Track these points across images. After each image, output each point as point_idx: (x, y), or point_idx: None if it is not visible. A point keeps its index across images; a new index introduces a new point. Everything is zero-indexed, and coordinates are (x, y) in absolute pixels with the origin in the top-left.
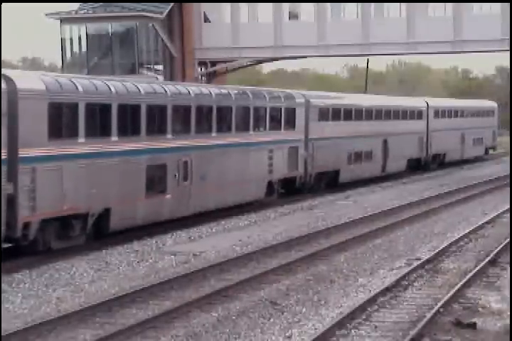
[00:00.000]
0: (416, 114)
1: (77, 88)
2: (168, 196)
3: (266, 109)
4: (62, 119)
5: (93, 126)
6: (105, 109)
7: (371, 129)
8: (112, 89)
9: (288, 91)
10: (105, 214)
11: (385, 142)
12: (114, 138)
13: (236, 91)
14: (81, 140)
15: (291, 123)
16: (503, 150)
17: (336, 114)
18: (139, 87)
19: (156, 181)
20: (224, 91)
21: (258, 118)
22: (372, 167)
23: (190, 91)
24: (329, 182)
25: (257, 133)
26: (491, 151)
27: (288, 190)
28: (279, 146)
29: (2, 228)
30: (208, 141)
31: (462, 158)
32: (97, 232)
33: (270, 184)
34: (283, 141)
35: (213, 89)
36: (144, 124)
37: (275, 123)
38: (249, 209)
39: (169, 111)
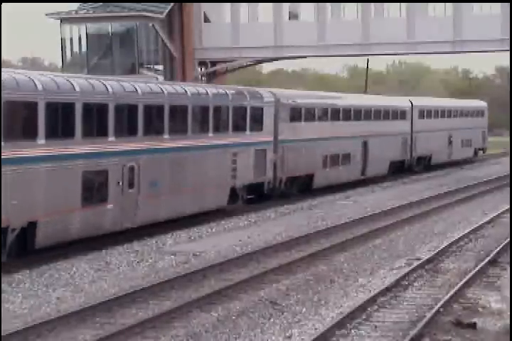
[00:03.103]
0: (399, 114)
1: None
2: (109, 206)
3: (228, 108)
4: None
5: (14, 128)
6: (30, 108)
7: (349, 130)
8: (39, 86)
9: (255, 89)
10: (30, 229)
11: (365, 144)
12: (41, 141)
13: (193, 90)
14: None
15: (258, 123)
16: (503, 150)
17: (310, 113)
18: (74, 84)
19: (94, 189)
20: (179, 89)
21: (219, 119)
22: (351, 170)
23: (138, 89)
24: (302, 188)
25: (218, 135)
26: (480, 153)
27: (257, 197)
28: (243, 149)
29: None
30: (160, 144)
31: (449, 160)
32: (22, 249)
33: (234, 190)
34: (248, 144)
35: (166, 87)
36: (79, 125)
37: (239, 124)
38: (249, 210)
39: (111, 111)
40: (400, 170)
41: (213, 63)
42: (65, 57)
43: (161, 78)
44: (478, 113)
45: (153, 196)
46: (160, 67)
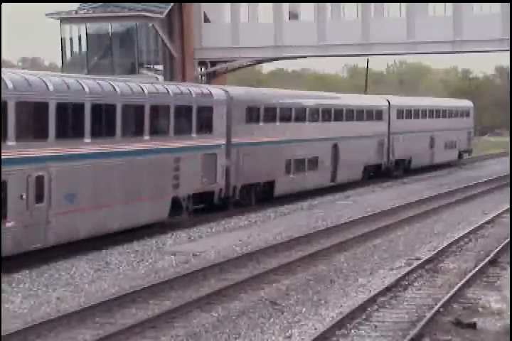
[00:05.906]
0: (374, 114)
1: None
2: (9, 224)
3: (169, 107)
4: None
5: None
6: None
7: (317, 132)
8: None
9: (203, 86)
10: None
11: (336, 147)
12: None
13: (125, 87)
14: None
15: (206, 125)
16: (503, 150)
17: (271, 114)
18: None
19: None
20: (105, 85)
21: (158, 120)
22: (319, 176)
23: (49, 85)
24: (261, 196)
25: (156, 138)
26: (466, 155)
27: (209, 207)
28: (188, 154)
29: None
30: (78, 149)
31: (432, 164)
32: None
33: (177, 201)
34: (194, 148)
35: (88, 82)
36: None
37: (183, 126)
38: (249, 210)
39: (10, 110)
40: (376, 174)
41: (213, 63)
42: (64, 57)
43: (161, 78)
44: (463, 113)
45: (70, 211)
46: (160, 67)
